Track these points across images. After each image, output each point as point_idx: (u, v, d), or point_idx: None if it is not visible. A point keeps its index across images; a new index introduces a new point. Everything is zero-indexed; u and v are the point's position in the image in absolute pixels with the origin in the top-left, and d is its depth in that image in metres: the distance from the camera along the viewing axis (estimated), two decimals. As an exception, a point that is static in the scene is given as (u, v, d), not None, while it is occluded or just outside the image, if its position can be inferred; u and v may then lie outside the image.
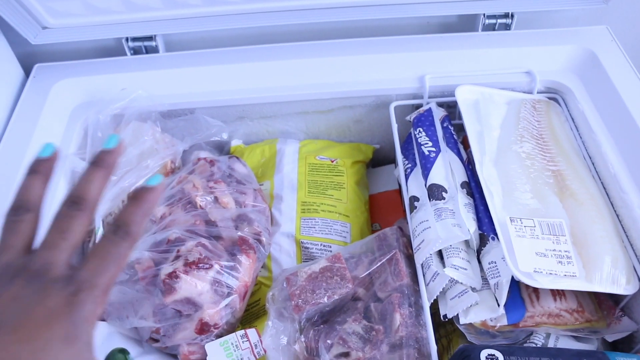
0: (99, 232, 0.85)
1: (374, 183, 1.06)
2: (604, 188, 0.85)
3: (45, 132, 0.92)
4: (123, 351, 0.77)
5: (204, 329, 0.74)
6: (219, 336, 0.76)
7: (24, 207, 0.42)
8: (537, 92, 0.98)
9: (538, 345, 0.76)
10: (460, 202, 0.82)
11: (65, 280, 0.39)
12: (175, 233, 0.77)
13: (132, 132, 0.93)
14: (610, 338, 0.77)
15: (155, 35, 1.03)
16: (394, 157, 1.08)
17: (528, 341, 0.77)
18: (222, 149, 1.06)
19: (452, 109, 1.00)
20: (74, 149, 0.92)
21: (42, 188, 0.44)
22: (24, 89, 0.98)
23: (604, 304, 0.80)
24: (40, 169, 0.44)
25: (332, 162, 1.00)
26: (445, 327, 0.85)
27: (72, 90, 0.99)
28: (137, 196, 0.43)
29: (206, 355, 0.74)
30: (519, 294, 0.77)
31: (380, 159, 1.12)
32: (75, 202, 0.42)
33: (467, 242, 0.80)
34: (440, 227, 0.79)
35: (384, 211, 1.01)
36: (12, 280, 0.38)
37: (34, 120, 0.93)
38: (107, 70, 1.01)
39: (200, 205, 0.82)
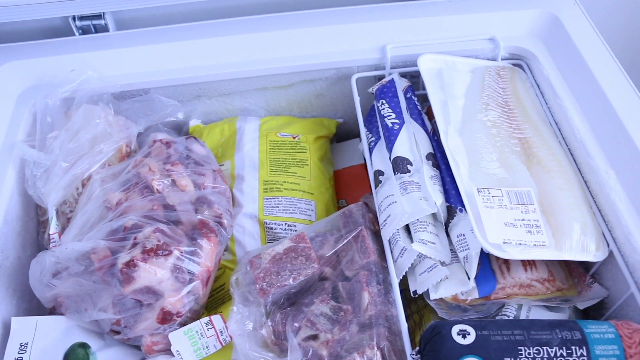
0: (53, 221, 0.81)
1: (339, 158, 1.03)
2: (571, 154, 0.83)
3: (-10, 119, 0.87)
4: (83, 345, 0.74)
5: (166, 318, 0.71)
6: (182, 325, 0.73)
7: None
8: (501, 59, 0.96)
9: (510, 318, 0.75)
10: (426, 174, 0.79)
11: None
12: (131, 219, 0.74)
13: (84, 115, 0.88)
14: (581, 306, 0.76)
15: (104, 13, 0.98)
16: (358, 131, 1.06)
17: (500, 313, 0.76)
18: (180, 129, 1.02)
19: (415, 79, 0.98)
20: (22, 136, 0.88)
21: None
22: (-34, 75, 0.93)
23: (575, 272, 0.80)
24: None
25: (294, 138, 0.97)
26: (417, 303, 0.83)
27: (18, 73, 0.94)
28: None
29: (170, 345, 0.72)
30: (489, 265, 0.76)
31: (344, 134, 1.09)
32: None
33: (434, 216, 0.78)
34: (406, 201, 0.77)
35: (349, 187, 0.99)
36: None
37: (-22, 107, 0.88)
38: (55, 52, 0.96)
39: (157, 190, 0.79)
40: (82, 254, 0.72)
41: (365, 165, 1.02)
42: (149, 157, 0.83)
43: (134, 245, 0.71)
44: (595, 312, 0.79)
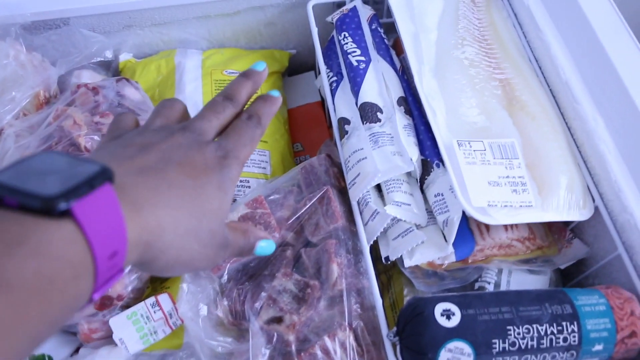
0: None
1: (292, 95, 0.92)
2: (554, 97, 0.75)
3: None
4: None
5: (105, 303, 0.61)
6: (125, 307, 0.64)
7: (231, 99, 0.49)
8: (476, -17, 0.85)
9: (490, 283, 0.69)
10: (399, 123, 0.70)
11: (216, 145, 0.46)
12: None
13: (-12, 53, 0.73)
14: (562, 265, 0.71)
15: None
16: (314, 63, 0.94)
17: (480, 280, 0.69)
18: (108, 65, 0.87)
19: (378, 6, 0.86)
20: None
21: (250, 92, 0.52)
22: None
23: (554, 226, 0.73)
24: (252, 77, 0.52)
25: (243, 76, 0.84)
26: (382, 262, 0.76)
27: None
28: (266, 97, 0.52)
29: (111, 331, 0.62)
30: (467, 226, 0.69)
31: (296, 66, 0.97)
32: (230, 98, 0.50)
33: (408, 172, 0.70)
34: (378, 156, 0.68)
35: (305, 128, 0.89)
36: (183, 133, 0.45)
37: None
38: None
39: (85, 147, 0.66)
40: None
41: (321, 103, 0.91)
42: (72, 107, 0.70)
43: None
44: (575, 269, 0.74)
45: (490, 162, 0.67)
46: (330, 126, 0.89)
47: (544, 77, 0.76)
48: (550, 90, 0.75)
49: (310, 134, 0.87)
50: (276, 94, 0.53)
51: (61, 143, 0.67)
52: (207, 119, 0.48)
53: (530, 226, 0.69)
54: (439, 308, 0.58)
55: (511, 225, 0.68)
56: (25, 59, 0.74)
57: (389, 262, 0.67)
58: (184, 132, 0.45)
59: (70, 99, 0.71)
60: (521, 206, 0.65)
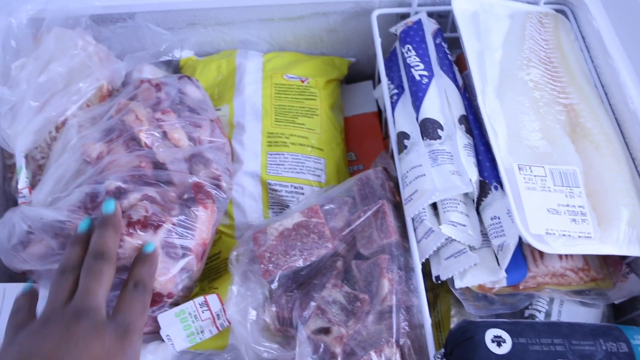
0: (22, 174, 0.69)
1: (348, 103, 0.91)
2: (619, 126, 0.73)
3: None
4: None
5: (155, 299, 0.62)
6: (174, 304, 0.64)
7: (102, 257, 0.52)
8: (544, 4, 0.83)
9: (541, 312, 0.67)
10: (460, 142, 0.69)
11: (114, 324, 0.48)
12: (114, 182, 0.62)
13: (56, 42, 0.74)
14: (617, 300, 0.69)
15: None
16: (372, 72, 0.94)
17: (530, 307, 0.68)
18: (169, 61, 0.88)
19: (442, 20, 0.85)
20: (-21, 62, 0.74)
21: (116, 239, 0.55)
22: None
23: (610, 259, 0.71)
24: (111, 224, 0.56)
25: (303, 82, 0.84)
26: (430, 279, 0.75)
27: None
28: (143, 258, 0.56)
29: (159, 327, 0.63)
30: (521, 251, 0.67)
31: (353, 74, 0.96)
32: (100, 256, 0.52)
33: (465, 193, 0.69)
34: (437, 174, 0.67)
35: (360, 137, 0.88)
36: (77, 321, 0.47)
37: None
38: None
39: (145, 143, 0.67)
40: (57, 222, 0.61)
41: (377, 113, 0.91)
42: (135, 102, 0.70)
43: (118, 215, 0.60)
44: (629, 305, 0.72)
45: (551, 189, 0.65)
46: (385, 137, 0.88)
47: (610, 105, 0.74)
48: (616, 118, 0.73)
49: (364, 144, 0.87)
50: (151, 248, 0.57)
51: (122, 137, 0.67)
52: (93, 291, 0.50)
53: (585, 257, 0.68)
54: (490, 334, 0.57)
55: (566, 255, 0.67)
56: (93, 50, 0.75)
57: (439, 282, 0.66)
58: (78, 319, 0.47)
59: (133, 94, 0.72)
60: (580, 236, 0.63)
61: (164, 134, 0.68)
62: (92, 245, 0.53)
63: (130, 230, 0.59)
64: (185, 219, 0.63)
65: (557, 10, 0.83)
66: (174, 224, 0.62)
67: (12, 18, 0.75)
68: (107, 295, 0.51)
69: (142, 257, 0.56)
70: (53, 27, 0.75)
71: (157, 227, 0.61)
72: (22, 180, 0.69)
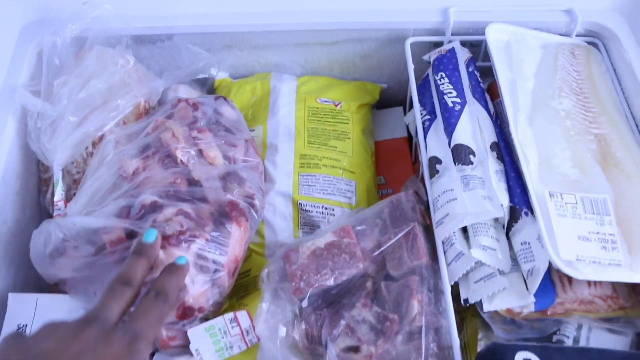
0: (58, 186, 0.71)
1: (379, 128, 0.92)
2: (649, 157, 0.73)
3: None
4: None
5: (186, 313, 0.63)
6: (204, 319, 0.65)
7: (128, 284, 0.52)
8: (576, 35, 0.84)
9: (569, 338, 0.67)
10: (491, 168, 0.70)
11: (123, 329, 0.49)
12: (150, 197, 0.64)
13: (97, 59, 0.76)
14: (647, 329, 0.69)
15: (125, -61, 0.84)
16: (402, 98, 0.95)
17: (558, 333, 0.68)
18: (204, 82, 0.90)
19: (475, 49, 0.86)
20: (24, 79, 0.77)
21: (145, 270, 0.55)
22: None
23: (639, 287, 0.71)
24: (145, 253, 0.56)
25: (336, 106, 0.86)
26: (457, 301, 0.75)
27: (21, 3, 0.82)
28: (172, 269, 0.56)
29: (189, 341, 0.63)
30: (549, 276, 0.67)
31: (385, 100, 0.97)
32: (126, 282, 0.52)
33: (496, 217, 0.69)
34: (469, 199, 0.68)
35: (389, 162, 0.89)
36: (87, 327, 0.48)
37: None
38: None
39: (181, 161, 0.68)
40: (92, 229, 0.63)
41: (407, 139, 0.92)
42: (171, 120, 0.72)
43: (153, 228, 0.62)
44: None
45: (582, 217, 0.66)
46: (414, 162, 0.89)
47: (640, 135, 0.75)
48: (646, 149, 0.74)
49: (393, 169, 0.88)
50: (183, 261, 0.56)
51: (158, 153, 0.69)
52: (108, 305, 0.50)
53: (613, 285, 0.68)
54: (519, 357, 0.57)
55: (595, 282, 0.67)
56: (132, 68, 0.77)
57: (467, 305, 0.66)
58: (88, 325, 0.48)
59: (170, 112, 0.74)
60: (610, 264, 0.63)
61: (200, 152, 0.70)
62: (122, 270, 0.54)
63: (165, 244, 0.61)
64: (219, 235, 0.64)
65: (589, 43, 0.85)
66: (207, 240, 0.63)
67: (57, 37, 0.77)
68: (123, 315, 0.51)
69: (171, 268, 0.56)
70: (95, 46, 0.78)
71: (191, 242, 0.62)
72: (58, 192, 0.70)
